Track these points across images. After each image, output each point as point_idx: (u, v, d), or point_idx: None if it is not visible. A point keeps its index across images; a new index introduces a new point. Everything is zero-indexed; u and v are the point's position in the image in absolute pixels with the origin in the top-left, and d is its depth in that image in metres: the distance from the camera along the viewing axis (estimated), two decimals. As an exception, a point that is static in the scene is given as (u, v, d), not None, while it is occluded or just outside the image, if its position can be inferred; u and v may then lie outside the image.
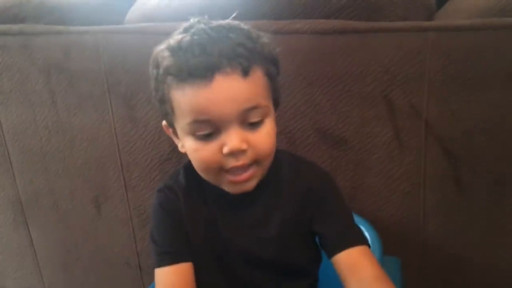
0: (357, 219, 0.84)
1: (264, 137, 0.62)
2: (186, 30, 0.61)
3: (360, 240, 0.68)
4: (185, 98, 0.59)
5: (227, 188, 0.65)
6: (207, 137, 0.61)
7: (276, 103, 0.68)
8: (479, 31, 0.82)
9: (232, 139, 0.59)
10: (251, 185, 0.64)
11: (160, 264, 0.68)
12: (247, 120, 0.60)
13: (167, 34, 0.65)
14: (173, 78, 0.60)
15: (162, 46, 0.62)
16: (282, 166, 0.72)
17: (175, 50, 0.59)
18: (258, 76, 0.61)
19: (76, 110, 1.12)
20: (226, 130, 0.60)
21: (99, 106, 1.09)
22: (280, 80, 0.69)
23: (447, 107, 0.86)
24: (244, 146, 0.60)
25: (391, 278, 0.82)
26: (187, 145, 0.64)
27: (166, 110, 0.64)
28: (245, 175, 0.62)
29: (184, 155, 0.68)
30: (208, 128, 0.60)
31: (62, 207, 1.26)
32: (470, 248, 0.95)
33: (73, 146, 1.16)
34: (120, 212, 1.20)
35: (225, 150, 0.60)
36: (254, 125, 0.61)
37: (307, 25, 0.88)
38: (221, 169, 0.62)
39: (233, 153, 0.60)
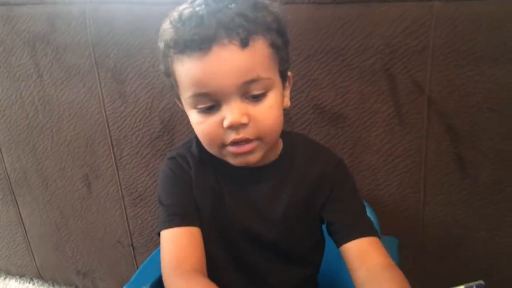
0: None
1: (266, 111, 0.60)
2: (191, 2, 0.60)
3: (371, 230, 0.67)
4: (185, 71, 0.60)
5: (231, 160, 0.64)
6: (208, 110, 0.60)
7: (283, 76, 0.65)
8: None
9: (232, 112, 0.59)
10: (254, 157, 0.63)
11: (170, 225, 0.66)
12: (249, 93, 0.59)
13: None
14: (173, 51, 0.60)
15: (167, 19, 0.62)
16: (296, 149, 0.71)
17: (175, 23, 0.59)
18: (259, 47, 0.59)
19: (63, 85, 1.07)
20: (226, 103, 0.59)
21: (87, 81, 1.05)
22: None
23: (451, 82, 0.83)
24: (244, 120, 0.59)
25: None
26: (191, 118, 0.64)
27: (172, 83, 0.65)
28: (247, 146, 0.61)
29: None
30: (208, 101, 0.60)
31: (52, 185, 1.23)
32: (471, 228, 0.92)
33: (61, 123, 1.12)
34: (111, 191, 1.16)
35: (225, 123, 0.59)
36: (256, 98, 0.60)
37: (305, -5, 0.84)
38: (223, 143, 0.62)
39: (233, 127, 0.59)
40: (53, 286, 1.43)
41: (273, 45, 0.61)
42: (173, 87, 0.66)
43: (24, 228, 1.34)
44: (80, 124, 1.11)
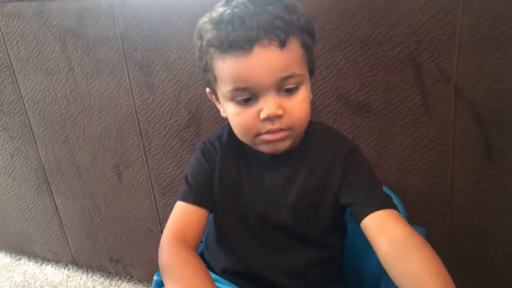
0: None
1: (299, 104, 0.66)
2: (227, 3, 0.64)
3: (389, 204, 0.67)
4: (226, 68, 0.64)
5: (262, 147, 0.69)
6: (246, 102, 0.65)
7: (311, 72, 0.71)
8: (517, -14, 0.75)
9: (269, 105, 0.64)
10: (284, 145, 0.68)
11: (185, 199, 0.74)
12: (284, 87, 0.64)
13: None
14: (215, 49, 0.64)
15: (206, 19, 0.65)
16: (313, 137, 0.74)
17: (217, 23, 0.63)
18: (294, 47, 0.64)
19: (94, 78, 1.10)
20: (263, 96, 0.64)
21: (116, 73, 1.07)
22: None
23: (479, 70, 0.81)
24: (280, 112, 0.64)
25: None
26: (228, 110, 0.69)
27: (209, 78, 0.69)
28: (280, 134, 0.66)
29: (225, 119, 0.73)
30: (247, 94, 0.65)
31: (84, 175, 1.26)
32: (499, 217, 0.91)
33: (92, 114, 1.15)
34: (141, 180, 1.19)
35: (263, 115, 0.64)
36: (289, 92, 0.65)
37: (329, -15, 0.84)
38: (258, 132, 0.67)
39: (270, 118, 0.64)
40: (87, 271, 1.48)
41: (305, 45, 0.66)
42: (209, 82, 0.70)
43: (59, 216, 1.39)
44: (110, 116, 1.14)
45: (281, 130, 0.66)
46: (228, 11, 0.62)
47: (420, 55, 0.83)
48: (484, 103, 0.83)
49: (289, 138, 0.68)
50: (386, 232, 0.63)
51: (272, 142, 0.67)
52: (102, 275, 1.45)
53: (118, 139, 1.16)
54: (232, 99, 0.66)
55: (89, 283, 1.43)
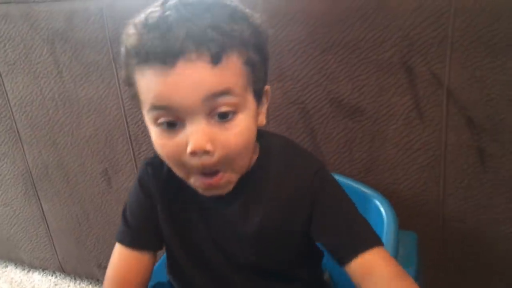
0: (372, 193, 0.82)
1: (235, 136, 0.53)
2: (162, 3, 0.53)
3: (371, 241, 0.59)
4: (145, 82, 0.52)
5: (199, 189, 0.58)
6: (170, 128, 0.53)
7: (258, 95, 0.57)
8: (508, -10, 0.75)
9: (195, 136, 0.51)
10: (224, 190, 0.57)
11: (122, 241, 0.65)
12: (216, 110, 0.52)
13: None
14: (135, 59, 0.52)
15: (132, 20, 0.55)
16: (270, 155, 0.63)
17: (140, 28, 0.52)
18: (233, 64, 0.52)
19: (82, 81, 1.09)
20: (190, 122, 0.52)
21: (106, 77, 1.06)
22: (270, 65, 0.60)
23: (471, 74, 0.81)
24: (208, 147, 0.52)
25: (407, 252, 0.79)
26: (152, 135, 0.56)
27: (133, 94, 0.57)
28: (215, 179, 0.55)
29: None
30: (169, 115, 0.52)
31: (73, 180, 1.24)
32: (492, 223, 0.91)
33: (80, 118, 1.14)
34: (131, 185, 1.17)
35: (189, 149, 0.52)
36: (223, 119, 0.52)
37: (321, -13, 0.83)
38: (190, 170, 0.55)
39: (197, 154, 0.52)
40: (75, 279, 1.46)
41: (248, 62, 0.54)
42: (134, 98, 0.57)
43: (46, 222, 1.37)
44: (99, 119, 1.12)
45: (215, 172, 0.55)
46: (157, 14, 0.51)
47: (412, 59, 0.83)
48: (476, 107, 0.83)
49: (230, 182, 0.57)
50: (372, 276, 0.57)
51: (209, 188, 0.56)
52: (90, 283, 1.43)
53: (107, 143, 1.14)
54: (154, 121, 0.54)
55: (77, 291, 1.41)
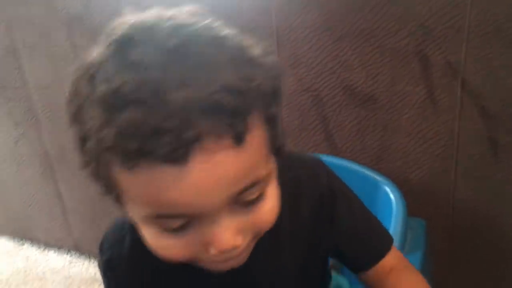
0: (382, 180, 0.82)
1: (266, 215, 0.42)
2: (124, 44, 0.36)
3: (387, 244, 0.57)
4: (140, 187, 0.36)
5: (207, 267, 0.45)
6: (178, 231, 0.39)
7: (277, 151, 0.43)
8: (527, -20, 0.75)
9: (222, 237, 0.39)
10: (242, 260, 0.45)
11: None
12: (242, 199, 0.39)
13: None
14: (116, 157, 0.35)
15: (84, 79, 0.38)
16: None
17: (111, 105, 0.34)
18: (257, 133, 0.38)
19: (99, 65, 1.10)
20: (211, 221, 0.39)
21: (122, 61, 1.07)
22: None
23: (486, 64, 0.81)
24: (238, 242, 0.40)
25: (415, 238, 0.80)
26: (147, 234, 0.41)
27: (105, 188, 0.41)
28: (235, 253, 0.42)
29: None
30: (181, 221, 0.39)
31: (88, 162, 1.27)
32: (503, 213, 0.91)
33: (97, 101, 1.15)
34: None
35: (213, 251, 0.40)
36: (251, 203, 0.40)
37: (337, -25, 0.83)
38: (198, 260, 0.43)
39: (224, 253, 0.40)
40: (89, 258, 1.49)
41: (269, 119, 0.40)
42: (106, 192, 0.41)
43: (63, 203, 1.40)
44: (115, 103, 1.14)
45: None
46: (130, 75, 0.33)
47: (428, 48, 0.83)
48: (490, 97, 0.83)
49: (248, 250, 0.45)
50: (386, 280, 0.56)
51: (224, 263, 0.44)
52: (105, 262, 1.46)
53: (123, 126, 1.16)
54: (154, 224, 0.40)
55: (91, 269, 1.44)
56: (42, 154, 1.33)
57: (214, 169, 0.35)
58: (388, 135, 0.92)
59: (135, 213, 0.41)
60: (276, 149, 0.43)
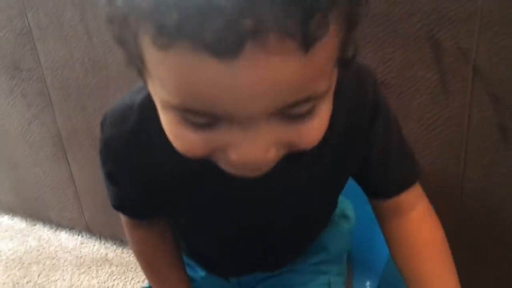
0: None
1: (310, 133, 0.37)
2: None
3: (412, 176, 0.56)
4: (171, 73, 0.31)
5: (222, 166, 0.39)
6: (205, 126, 0.35)
7: (345, 64, 0.38)
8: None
9: (253, 147, 0.35)
10: (262, 173, 0.39)
11: (127, 215, 0.65)
12: (288, 112, 0.34)
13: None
14: (149, 27, 0.29)
15: None
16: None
17: None
18: (331, 38, 0.31)
19: (112, 47, 1.11)
20: (245, 125, 0.34)
21: (134, 43, 1.08)
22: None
23: (498, 50, 0.80)
24: (271, 155, 0.36)
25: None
26: (166, 120, 0.37)
27: (128, 57, 0.37)
28: (257, 168, 0.38)
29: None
30: (210, 119, 0.34)
31: (100, 144, 1.28)
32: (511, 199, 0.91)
33: (109, 84, 1.17)
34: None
35: (234, 156, 0.35)
36: (298, 117, 0.35)
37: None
38: (216, 157, 0.38)
39: (249, 164, 0.36)
40: (100, 239, 1.51)
41: (350, 23, 0.33)
42: (131, 61, 0.37)
43: (74, 184, 1.42)
44: (127, 86, 1.14)
45: None
46: None
47: (440, 33, 0.83)
48: (502, 84, 0.83)
49: (274, 164, 0.39)
50: (398, 215, 0.56)
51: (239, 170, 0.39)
52: (115, 243, 1.49)
53: (134, 109, 1.17)
54: (177, 114, 0.35)
55: (102, 250, 1.46)
56: (54, 136, 1.34)
57: (267, 74, 0.29)
58: (399, 120, 0.92)
59: (158, 96, 0.36)
60: (345, 61, 0.37)
